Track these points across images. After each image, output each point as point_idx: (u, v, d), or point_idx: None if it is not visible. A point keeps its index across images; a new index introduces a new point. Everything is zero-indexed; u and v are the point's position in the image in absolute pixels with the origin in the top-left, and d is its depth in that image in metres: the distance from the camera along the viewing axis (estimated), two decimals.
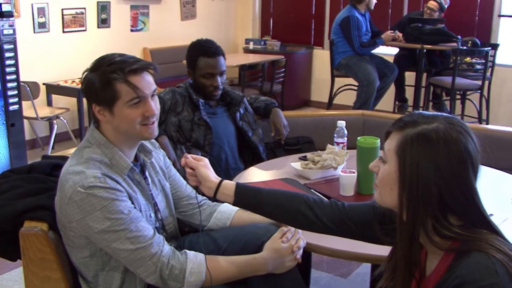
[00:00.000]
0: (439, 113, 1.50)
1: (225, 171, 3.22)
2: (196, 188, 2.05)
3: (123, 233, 1.88)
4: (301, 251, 2.10)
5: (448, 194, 1.42)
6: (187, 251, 2.02)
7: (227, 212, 2.33)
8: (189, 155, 1.99)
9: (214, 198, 1.98)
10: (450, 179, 1.41)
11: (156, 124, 2.04)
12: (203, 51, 3.21)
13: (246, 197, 1.90)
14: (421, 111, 1.53)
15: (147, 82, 1.98)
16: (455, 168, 1.41)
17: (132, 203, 1.96)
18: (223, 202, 2.18)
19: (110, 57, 1.98)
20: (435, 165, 1.41)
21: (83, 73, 2.01)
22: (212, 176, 1.95)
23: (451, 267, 1.41)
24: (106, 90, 1.93)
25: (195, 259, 1.99)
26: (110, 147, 2.00)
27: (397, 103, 7.56)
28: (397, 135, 1.49)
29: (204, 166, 1.96)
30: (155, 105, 2.01)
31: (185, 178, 2.14)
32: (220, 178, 1.94)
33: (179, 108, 3.20)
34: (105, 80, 1.93)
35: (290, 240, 2.07)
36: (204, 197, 2.34)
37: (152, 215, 2.10)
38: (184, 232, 2.43)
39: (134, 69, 1.95)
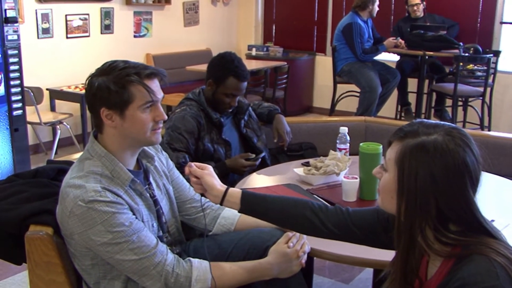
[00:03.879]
0: (440, 123, 1.51)
1: (230, 176, 3.22)
2: (202, 196, 2.05)
3: (126, 244, 1.89)
4: (305, 256, 2.12)
5: (445, 205, 1.44)
6: (192, 258, 2.03)
7: (231, 217, 2.34)
8: (193, 164, 1.98)
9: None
10: (447, 190, 1.43)
11: (160, 129, 2.06)
12: (236, 72, 3.15)
13: (252, 204, 1.92)
14: (422, 119, 1.54)
15: (159, 87, 2.02)
16: (451, 180, 1.42)
17: (134, 214, 1.96)
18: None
19: (119, 62, 1.99)
20: (432, 177, 1.43)
21: (89, 79, 2.00)
22: (217, 184, 1.95)
23: (452, 270, 1.43)
24: (120, 93, 1.93)
25: (200, 266, 2.00)
26: (110, 159, 2.00)
27: (402, 108, 7.55)
28: (397, 145, 1.51)
29: (209, 175, 1.96)
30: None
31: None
32: (225, 186, 1.95)
33: (202, 132, 3.17)
34: (121, 82, 1.93)
35: (296, 245, 2.08)
36: (208, 200, 2.34)
37: (155, 224, 2.11)
38: (195, 235, 2.44)
39: (149, 74, 1.97)
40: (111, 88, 1.93)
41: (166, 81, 2.06)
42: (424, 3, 7.19)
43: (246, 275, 2.04)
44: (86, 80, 2.02)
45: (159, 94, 2.01)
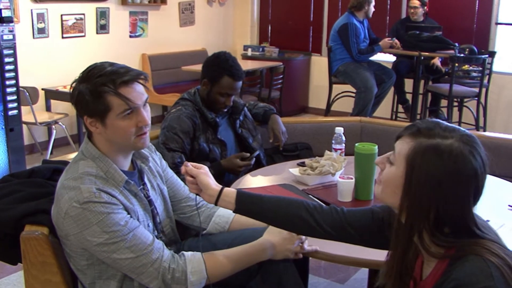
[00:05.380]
0: (456, 127, 1.49)
1: (226, 176, 3.23)
2: (197, 196, 2.05)
3: (122, 243, 1.89)
4: (305, 245, 2.14)
5: (443, 209, 1.43)
6: (185, 252, 2.03)
7: (226, 216, 2.35)
8: (189, 163, 1.98)
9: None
10: (450, 196, 1.42)
11: (148, 133, 2.04)
12: (230, 72, 3.15)
13: (247, 204, 1.92)
14: (438, 121, 1.52)
15: (138, 92, 1.96)
16: (458, 187, 1.42)
17: (129, 214, 1.96)
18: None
19: (100, 67, 1.95)
20: (439, 181, 1.42)
21: (72, 84, 1.98)
22: (212, 183, 1.95)
23: (447, 271, 1.43)
24: (97, 103, 1.91)
25: (193, 259, 2.00)
26: (104, 160, 1.99)
27: (402, 107, 7.56)
28: (409, 141, 1.49)
29: (205, 174, 1.96)
30: (148, 115, 2.00)
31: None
32: (220, 186, 1.95)
33: (198, 132, 3.18)
34: (96, 92, 1.90)
35: None
36: (202, 199, 2.34)
37: (150, 224, 2.11)
38: (190, 235, 2.44)
39: (125, 81, 1.92)
40: (87, 98, 1.92)
41: (144, 84, 2.00)
42: (426, 8, 7.20)
43: (239, 260, 2.06)
44: (71, 84, 2.00)
45: (140, 99, 1.96)
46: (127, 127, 1.95)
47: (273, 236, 2.10)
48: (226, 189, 1.94)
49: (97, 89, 1.90)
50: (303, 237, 2.14)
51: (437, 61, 6.95)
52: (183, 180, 2.39)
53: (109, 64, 1.97)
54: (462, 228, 1.45)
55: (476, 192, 1.44)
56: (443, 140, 1.44)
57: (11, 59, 4.80)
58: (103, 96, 1.90)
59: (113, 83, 1.90)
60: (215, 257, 2.04)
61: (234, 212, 1.93)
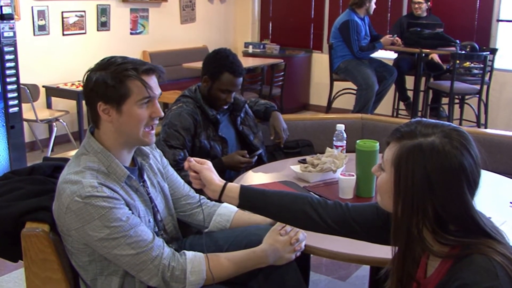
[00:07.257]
0: (439, 123, 1.49)
1: (227, 173, 3.22)
2: (201, 191, 2.04)
3: (123, 239, 1.89)
4: (302, 244, 2.14)
5: (442, 208, 1.42)
6: (186, 251, 2.04)
7: (226, 214, 2.35)
8: (192, 159, 1.98)
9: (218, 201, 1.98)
10: (443, 193, 1.41)
11: (154, 131, 2.06)
12: (231, 68, 3.15)
13: (251, 199, 1.91)
14: (421, 119, 1.52)
15: (156, 84, 2.02)
16: (447, 182, 1.41)
17: (130, 209, 1.97)
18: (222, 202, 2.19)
19: (117, 58, 1.99)
20: (428, 179, 1.41)
21: (86, 74, 2.00)
22: (216, 179, 1.95)
23: (452, 269, 1.42)
24: (117, 88, 1.93)
25: (194, 259, 2.01)
26: (106, 155, 2.00)
27: (403, 104, 7.57)
28: (394, 146, 1.49)
29: (208, 169, 1.96)
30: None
31: (189, 182, 2.13)
32: (224, 181, 1.94)
33: (199, 129, 3.18)
34: (118, 77, 1.93)
35: (290, 233, 2.11)
36: (203, 197, 2.34)
37: (151, 220, 2.11)
38: (191, 232, 2.44)
39: (147, 69, 1.97)
40: (108, 82, 1.93)
41: (164, 78, 2.06)
42: (429, 3, 7.19)
43: (241, 264, 2.06)
44: (84, 75, 2.02)
45: (157, 90, 2.01)
46: (141, 116, 1.97)
47: (271, 245, 2.10)
48: (229, 184, 1.94)
49: (119, 74, 1.94)
50: (301, 236, 2.14)
51: (435, 56, 6.93)
52: (184, 177, 2.39)
53: (122, 57, 2.02)
54: (468, 224, 1.44)
55: (469, 186, 1.43)
56: (425, 138, 1.44)
57: (12, 57, 4.80)
58: (125, 82, 1.93)
59: (136, 70, 1.95)
60: (216, 260, 2.05)
61: (237, 207, 1.94)
